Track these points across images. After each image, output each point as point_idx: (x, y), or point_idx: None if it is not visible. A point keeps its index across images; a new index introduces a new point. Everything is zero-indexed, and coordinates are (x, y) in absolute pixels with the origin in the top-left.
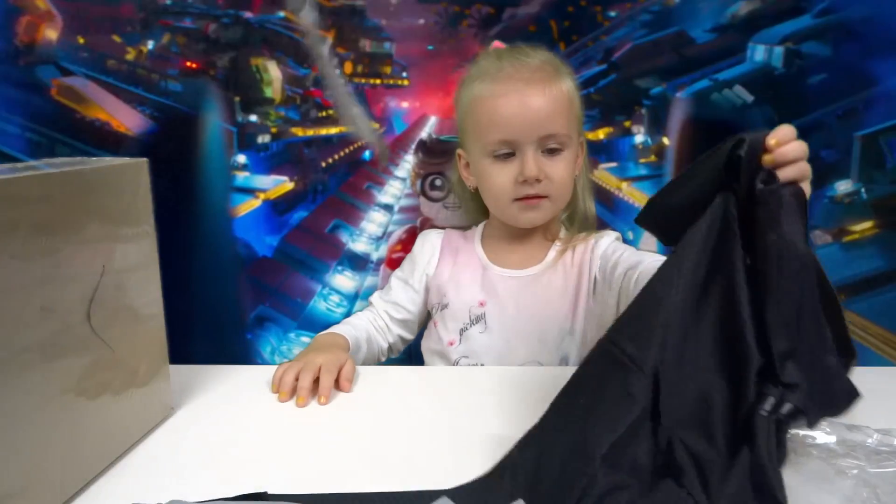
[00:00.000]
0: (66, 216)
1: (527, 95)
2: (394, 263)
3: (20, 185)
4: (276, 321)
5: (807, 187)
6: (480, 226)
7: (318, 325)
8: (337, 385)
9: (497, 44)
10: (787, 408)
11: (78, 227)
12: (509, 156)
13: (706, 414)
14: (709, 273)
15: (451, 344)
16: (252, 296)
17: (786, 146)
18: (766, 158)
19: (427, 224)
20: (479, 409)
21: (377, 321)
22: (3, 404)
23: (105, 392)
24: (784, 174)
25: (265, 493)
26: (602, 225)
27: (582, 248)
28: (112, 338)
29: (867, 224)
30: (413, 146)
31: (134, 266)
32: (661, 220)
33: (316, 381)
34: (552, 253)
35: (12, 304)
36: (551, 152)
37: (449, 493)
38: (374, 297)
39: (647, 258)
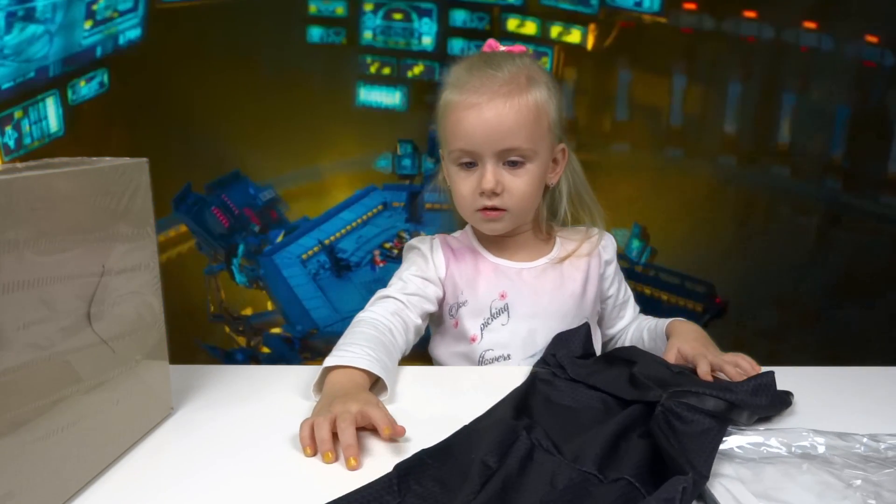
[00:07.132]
0: (67, 216)
1: (488, 110)
2: None
3: (21, 185)
4: None
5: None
6: (468, 229)
7: None
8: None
9: (491, 42)
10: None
11: (78, 227)
12: (472, 165)
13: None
14: None
15: (474, 340)
16: None
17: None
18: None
19: None
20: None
21: (396, 324)
22: (3, 403)
23: (105, 392)
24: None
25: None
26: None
27: (586, 243)
28: (112, 338)
29: None
30: None
31: (134, 266)
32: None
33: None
34: (557, 246)
35: (13, 304)
36: (513, 164)
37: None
38: (392, 294)
39: (633, 323)
